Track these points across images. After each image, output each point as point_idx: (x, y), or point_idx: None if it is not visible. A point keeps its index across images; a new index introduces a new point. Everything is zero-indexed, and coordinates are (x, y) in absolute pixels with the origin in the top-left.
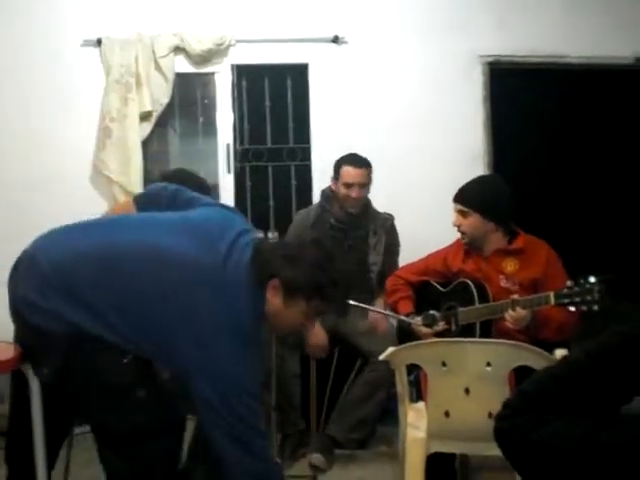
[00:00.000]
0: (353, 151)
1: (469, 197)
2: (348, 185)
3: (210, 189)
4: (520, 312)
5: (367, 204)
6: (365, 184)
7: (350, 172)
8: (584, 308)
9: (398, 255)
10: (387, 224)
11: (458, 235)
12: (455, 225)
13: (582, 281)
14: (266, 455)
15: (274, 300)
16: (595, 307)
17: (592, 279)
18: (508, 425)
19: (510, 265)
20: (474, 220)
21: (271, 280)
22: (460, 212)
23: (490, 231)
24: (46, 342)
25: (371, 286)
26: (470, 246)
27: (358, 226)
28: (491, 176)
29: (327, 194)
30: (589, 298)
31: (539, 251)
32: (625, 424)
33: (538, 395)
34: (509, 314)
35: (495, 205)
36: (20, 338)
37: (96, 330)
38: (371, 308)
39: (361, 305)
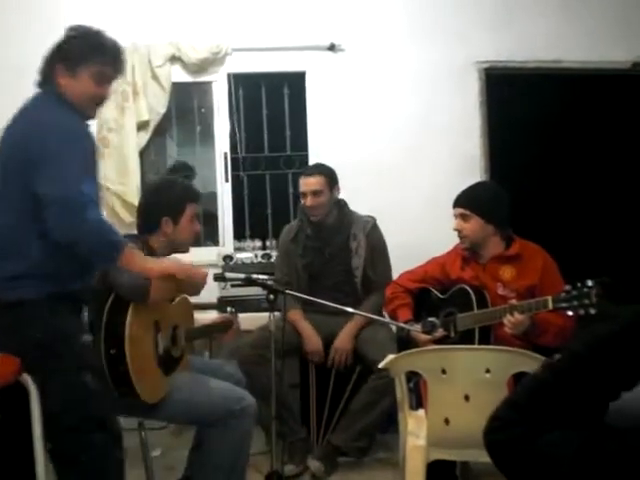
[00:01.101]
0: (351, 158)
1: (470, 200)
2: (303, 194)
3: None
4: (518, 317)
5: (342, 208)
6: (318, 191)
7: (302, 181)
8: (582, 312)
9: (386, 256)
10: (367, 227)
11: (454, 241)
12: (456, 229)
13: (579, 285)
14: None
15: (62, 79)
16: (592, 311)
17: (589, 283)
18: (503, 437)
19: (507, 273)
20: (475, 223)
21: (56, 69)
22: (461, 216)
23: (490, 235)
24: None
25: (356, 290)
26: (469, 251)
27: (335, 233)
28: (489, 182)
29: (302, 207)
30: (587, 302)
31: (535, 258)
32: (620, 434)
33: (527, 402)
34: (507, 319)
35: (495, 208)
36: None
37: None
38: (371, 316)
39: (361, 313)
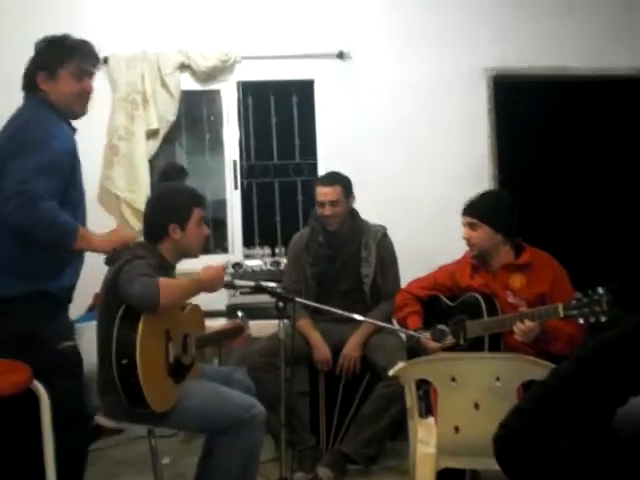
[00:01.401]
0: (359, 165)
1: (478, 209)
2: (320, 204)
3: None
4: (529, 325)
5: (354, 216)
6: (336, 201)
7: (320, 191)
8: (593, 319)
9: (396, 265)
10: (378, 236)
11: (463, 248)
12: (465, 238)
13: (590, 292)
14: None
15: (45, 85)
16: (603, 318)
17: (600, 290)
18: (512, 445)
19: (517, 281)
20: (483, 232)
21: (37, 79)
22: (470, 225)
23: (499, 244)
24: None
25: (365, 299)
26: (478, 259)
27: (348, 241)
28: (497, 190)
29: (315, 214)
30: (598, 309)
31: (546, 267)
32: (627, 440)
33: (536, 409)
34: (517, 327)
35: (504, 217)
36: None
37: None
38: (380, 323)
39: (369, 320)
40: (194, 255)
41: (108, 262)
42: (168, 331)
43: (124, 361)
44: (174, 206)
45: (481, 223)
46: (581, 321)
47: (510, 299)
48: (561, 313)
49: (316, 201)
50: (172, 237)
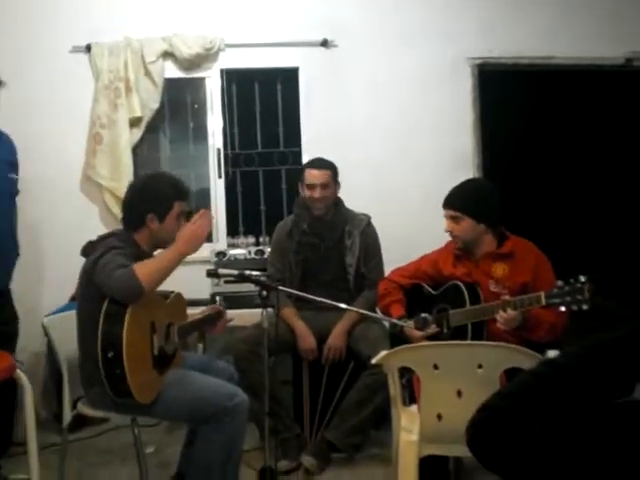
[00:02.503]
0: (343, 154)
1: (459, 202)
2: (310, 186)
3: None
4: (511, 313)
5: (338, 206)
6: (326, 185)
7: (311, 173)
8: (575, 307)
9: (379, 253)
10: (362, 224)
11: (446, 238)
12: (447, 231)
13: (572, 281)
14: None
15: None
16: (585, 306)
17: (582, 278)
18: (493, 425)
19: (499, 269)
20: (466, 224)
21: None
22: (451, 217)
23: (481, 234)
24: None
25: (349, 287)
26: (462, 250)
27: (332, 229)
28: (477, 179)
29: (299, 202)
30: (579, 297)
31: (528, 255)
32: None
33: (521, 393)
34: (500, 315)
35: (485, 207)
36: None
37: None
38: (364, 312)
39: (354, 309)
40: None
41: (84, 254)
42: (153, 323)
43: (110, 354)
44: (155, 196)
45: (463, 215)
46: (563, 309)
47: (492, 287)
48: (543, 301)
49: (304, 185)
50: (149, 227)
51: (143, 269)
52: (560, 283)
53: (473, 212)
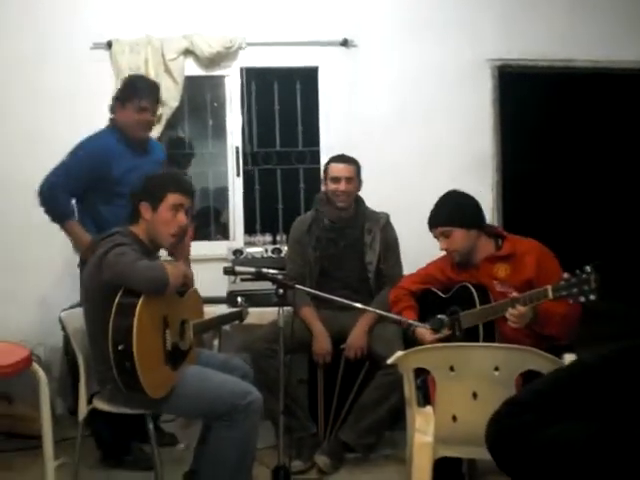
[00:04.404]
0: (361, 153)
1: (443, 217)
2: (335, 179)
3: None
4: (521, 309)
5: (359, 203)
6: (351, 178)
7: (336, 167)
8: (582, 299)
9: (398, 251)
10: (382, 222)
11: None
12: (443, 249)
13: (578, 272)
14: None
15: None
16: (592, 297)
17: (588, 269)
18: (511, 423)
19: (501, 270)
20: (458, 235)
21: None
22: (442, 234)
23: (476, 239)
24: None
25: (369, 286)
26: (462, 260)
27: (352, 226)
28: (449, 191)
29: (320, 197)
30: (586, 288)
31: (529, 253)
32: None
33: (551, 392)
34: (510, 312)
35: (469, 212)
36: None
37: None
38: (383, 313)
39: (370, 309)
40: (163, 243)
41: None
42: (165, 318)
43: (121, 346)
44: (148, 185)
45: (452, 227)
46: (571, 301)
47: (499, 287)
48: (550, 295)
49: (327, 179)
50: (144, 217)
51: (168, 266)
52: (566, 275)
53: (460, 221)
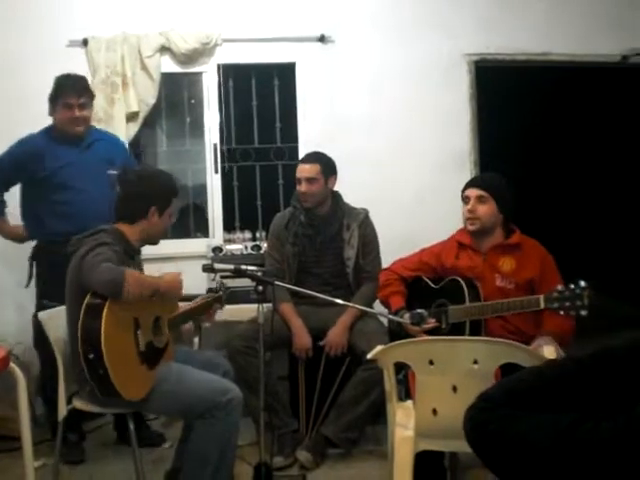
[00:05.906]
0: (341, 149)
1: (489, 184)
2: (298, 180)
3: None
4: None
5: (337, 199)
6: (313, 179)
7: (299, 167)
8: (572, 313)
9: (377, 247)
10: (360, 217)
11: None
12: (468, 211)
13: (572, 286)
14: None
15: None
16: (583, 312)
17: (582, 284)
18: (485, 417)
19: (507, 264)
20: (490, 208)
21: None
22: (478, 197)
23: (497, 224)
24: None
25: (348, 281)
26: (474, 236)
27: (330, 222)
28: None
29: (297, 194)
30: (579, 303)
31: (535, 251)
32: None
33: (525, 393)
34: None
35: (509, 198)
36: None
37: None
38: (363, 308)
39: (350, 305)
40: (155, 242)
41: (71, 250)
42: (137, 319)
43: (90, 356)
44: (162, 190)
45: (490, 197)
46: (561, 313)
47: (498, 282)
48: (542, 304)
49: (296, 178)
50: (149, 220)
51: (130, 273)
52: (560, 287)
53: (500, 198)
